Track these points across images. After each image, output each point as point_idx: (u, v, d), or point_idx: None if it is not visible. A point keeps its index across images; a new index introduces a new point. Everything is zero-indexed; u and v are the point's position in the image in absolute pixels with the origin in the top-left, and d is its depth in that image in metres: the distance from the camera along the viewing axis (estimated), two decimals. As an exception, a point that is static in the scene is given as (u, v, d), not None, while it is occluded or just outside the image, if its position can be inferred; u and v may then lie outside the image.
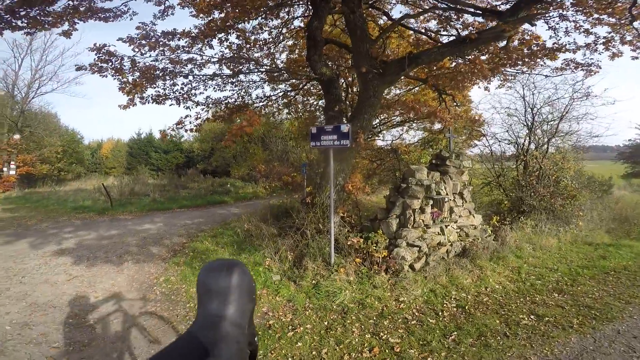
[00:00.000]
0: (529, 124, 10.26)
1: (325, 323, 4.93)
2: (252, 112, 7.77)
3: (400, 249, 6.40)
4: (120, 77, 7.21)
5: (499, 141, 10.75)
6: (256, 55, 10.23)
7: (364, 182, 9.73)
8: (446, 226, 7.20)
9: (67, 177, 21.66)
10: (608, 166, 24.49)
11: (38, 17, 6.18)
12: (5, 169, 18.21)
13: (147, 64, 7.75)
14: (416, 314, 5.26)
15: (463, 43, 6.73)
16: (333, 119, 7.94)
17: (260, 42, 9.79)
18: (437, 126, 13.53)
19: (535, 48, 7.26)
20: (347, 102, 10.17)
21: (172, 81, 8.81)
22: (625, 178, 25.39)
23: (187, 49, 7.82)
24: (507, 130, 10.69)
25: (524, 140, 10.26)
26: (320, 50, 8.22)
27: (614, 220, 10.58)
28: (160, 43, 7.34)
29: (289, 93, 11.78)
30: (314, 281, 6.05)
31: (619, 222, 10.66)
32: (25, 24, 6.14)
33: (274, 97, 11.30)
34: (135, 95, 7.58)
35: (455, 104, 10.03)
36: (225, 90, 10.04)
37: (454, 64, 9.07)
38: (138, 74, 7.56)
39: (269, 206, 10.59)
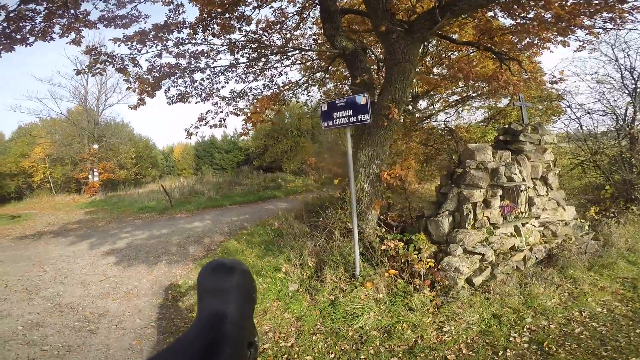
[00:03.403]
0: (630, 90, 7.29)
1: (332, 356, 3.57)
2: (263, 100, 6.43)
3: (453, 258, 4.47)
4: (125, 77, 6.52)
5: (588, 113, 7.86)
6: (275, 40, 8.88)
7: (411, 170, 7.73)
8: (524, 224, 5.04)
9: (144, 180, 23.06)
10: None
11: (46, 29, 5.81)
12: (90, 176, 19.78)
13: (153, 61, 7.01)
14: (464, 351, 3.47)
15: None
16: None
17: (274, 25, 8.41)
18: (504, 102, 10.80)
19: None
20: (379, 77, 8.16)
21: (190, 77, 7.95)
22: None
23: (188, 40, 6.87)
24: (599, 100, 7.79)
25: (626, 110, 7.33)
26: (337, 22, 6.61)
27: None
28: (159, 37, 6.45)
29: (315, 75, 10.19)
30: (332, 296, 4.58)
31: None
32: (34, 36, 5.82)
33: (301, 82, 9.78)
34: (145, 95, 6.81)
35: (523, 72, 7.47)
36: (248, 81, 8.89)
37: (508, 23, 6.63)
38: (144, 71, 6.90)
39: (304, 201, 9.28)
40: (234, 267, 0.97)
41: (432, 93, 12.60)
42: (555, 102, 9.82)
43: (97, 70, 6.74)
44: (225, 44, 7.62)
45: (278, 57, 8.78)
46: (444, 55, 9.60)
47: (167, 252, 7.77)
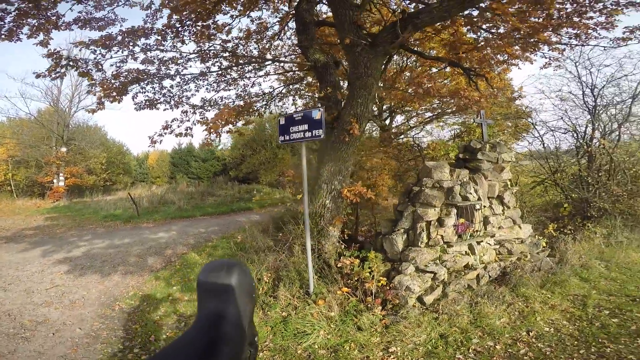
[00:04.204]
0: (590, 107, 7.56)
1: (276, 375, 3.41)
2: (224, 111, 6.34)
3: (404, 277, 4.41)
4: (88, 81, 6.35)
5: (552, 130, 8.11)
6: (252, 49, 8.85)
7: (385, 186, 7.73)
8: (479, 242, 5.05)
9: (115, 187, 22.25)
10: None
11: (14, 29, 5.63)
12: (55, 181, 18.93)
13: (119, 66, 6.84)
14: (408, 373, 3.42)
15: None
16: (329, 109, 6.22)
17: (253, 35, 8.37)
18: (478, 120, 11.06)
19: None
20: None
21: (159, 84, 7.80)
22: None
23: (156, 47, 6.76)
24: (562, 117, 8.05)
25: (585, 128, 7.58)
26: (312, 34, 6.64)
27: None
28: (125, 43, 6.33)
29: (291, 87, 10.19)
30: (284, 313, 4.51)
31: None
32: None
33: (275, 93, 9.73)
34: (109, 99, 6.65)
35: (492, 89, 7.64)
36: (219, 90, 8.76)
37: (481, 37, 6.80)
38: (109, 76, 6.74)
39: (273, 215, 9.19)
40: (234, 267, 0.97)
41: (407, 108, 12.81)
42: (523, 120, 10.12)
43: (58, 74, 6.55)
44: (196, 51, 7.54)
45: (251, 67, 8.72)
46: (421, 71, 9.76)
47: (124, 263, 7.55)
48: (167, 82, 7.85)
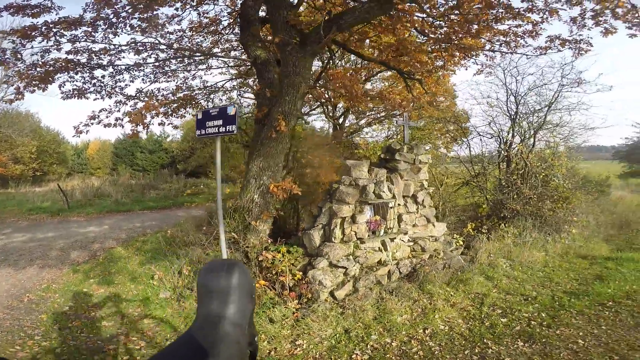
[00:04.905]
0: (512, 114, 8.17)
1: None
2: (148, 103, 6.12)
3: (317, 271, 4.50)
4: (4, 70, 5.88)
5: (480, 135, 8.67)
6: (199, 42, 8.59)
7: (318, 183, 7.83)
8: (392, 239, 5.28)
9: (48, 178, 20.47)
10: (604, 165, 21.76)
11: None
12: (-28, 169, 17.10)
13: (41, 55, 6.39)
14: (309, 367, 3.48)
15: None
16: (261, 106, 6.21)
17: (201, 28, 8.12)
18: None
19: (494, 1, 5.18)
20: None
21: (90, 73, 7.39)
22: (622, 178, 22.85)
23: (85, 38, 6.36)
24: (490, 123, 8.63)
25: (508, 134, 8.18)
26: (255, 30, 6.57)
27: (613, 226, 8.35)
28: (46, 34, 5.90)
29: (237, 81, 10.05)
30: None
31: (619, 228, 8.41)
32: None
33: (218, 86, 9.53)
34: (26, 89, 6.25)
35: (426, 93, 7.98)
36: (157, 81, 8.43)
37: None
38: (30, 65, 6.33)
39: (210, 210, 9.04)
40: (234, 267, 0.96)
41: (358, 108, 13.07)
42: (464, 124, 10.69)
43: None
44: (129, 43, 7.17)
45: (191, 60, 8.46)
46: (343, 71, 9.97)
47: (43, 257, 7.19)
48: (99, 72, 7.38)
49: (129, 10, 6.03)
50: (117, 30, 6.29)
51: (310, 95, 7.48)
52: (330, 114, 13.26)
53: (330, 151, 10.17)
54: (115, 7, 5.61)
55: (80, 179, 19.35)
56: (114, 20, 6.08)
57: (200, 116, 4.74)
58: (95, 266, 6.53)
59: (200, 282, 0.97)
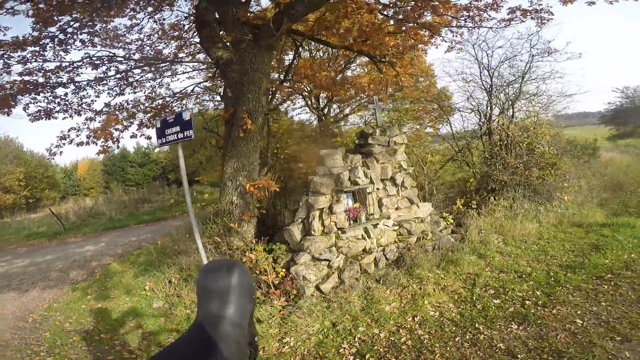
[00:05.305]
0: (488, 87, 7.99)
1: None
2: (110, 117, 5.97)
3: (299, 267, 4.36)
4: None
5: (459, 111, 8.49)
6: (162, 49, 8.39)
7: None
8: (375, 225, 5.13)
9: (43, 204, 20.12)
10: (592, 130, 21.79)
11: None
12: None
13: None
14: (296, 367, 3.40)
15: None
16: (227, 107, 6.07)
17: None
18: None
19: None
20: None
21: (51, 92, 7.26)
22: (611, 140, 22.83)
23: (34, 59, 6.24)
24: (468, 99, 8.44)
25: (486, 107, 8.00)
26: (214, 31, 6.40)
27: (606, 189, 8.12)
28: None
29: (207, 83, 9.87)
30: (188, 310, 4.63)
31: (612, 190, 8.18)
32: None
33: (189, 92, 9.35)
34: None
35: (399, 75, 7.76)
36: (124, 94, 8.30)
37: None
38: None
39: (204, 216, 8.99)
40: (234, 267, 0.95)
41: (339, 97, 12.87)
42: (446, 102, 10.49)
43: None
44: (84, 58, 7.00)
45: (153, 69, 8.28)
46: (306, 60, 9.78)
47: (44, 278, 7.25)
48: (61, 90, 7.24)
49: (76, 26, 5.85)
50: (67, 47, 6.08)
51: (273, 89, 7.27)
52: (314, 106, 13.09)
53: (314, 143, 10.03)
54: (59, 23, 5.39)
55: (74, 201, 19.17)
56: (62, 37, 5.88)
57: (159, 125, 4.60)
58: (92, 283, 6.58)
59: (200, 282, 0.96)
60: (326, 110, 14.23)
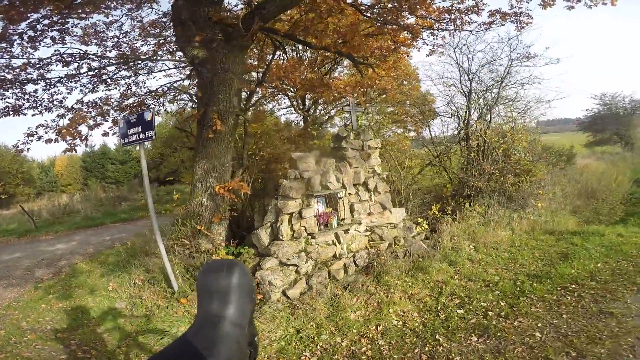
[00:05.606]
0: (467, 91, 8.02)
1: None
2: (77, 114, 5.76)
3: (265, 272, 4.25)
4: None
5: (440, 115, 8.50)
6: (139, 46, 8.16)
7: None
8: (346, 231, 5.05)
9: (16, 200, 19.41)
10: (570, 136, 22.43)
11: None
12: None
13: None
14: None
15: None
16: (199, 107, 5.94)
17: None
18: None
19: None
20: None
21: (20, 89, 7.02)
22: (588, 147, 23.50)
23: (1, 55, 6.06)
24: (448, 103, 8.46)
25: (465, 112, 8.02)
26: (190, 30, 6.25)
27: (580, 196, 8.30)
28: None
29: (184, 81, 9.67)
30: (148, 312, 4.54)
31: (586, 197, 8.38)
32: None
33: (166, 90, 9.13)
34: None
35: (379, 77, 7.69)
36: (97, 91, 8.03)
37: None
38: None
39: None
40: (234, 267, 0.94)
41: (324, 99, 12.75)
42: (428, 107, 10.49)
43: None
44: (53, 55, 6.75)
45: (127, 67, 8.07)
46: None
47: (8, 276, 7.03)
48: (31, 87, 6.98)
49: (46, 23, 5.61)
50: (36, 44, 5.83)
51: (247, 90, 7.15)
52: (300, 107, 12.97)
53: (293, 144, 9.89)
54: (27, 21, 5.16)
55: (50, 198, 18.55)
56: (32, 34, 5.63)
57: (122, 125, 4.45)
58: (56, 282, 6.40)
59: (200, 282, 0.95)
60: (311, 111, 14.16)
